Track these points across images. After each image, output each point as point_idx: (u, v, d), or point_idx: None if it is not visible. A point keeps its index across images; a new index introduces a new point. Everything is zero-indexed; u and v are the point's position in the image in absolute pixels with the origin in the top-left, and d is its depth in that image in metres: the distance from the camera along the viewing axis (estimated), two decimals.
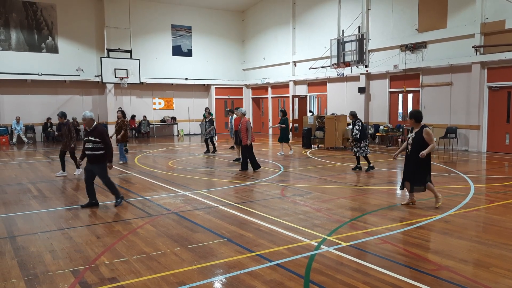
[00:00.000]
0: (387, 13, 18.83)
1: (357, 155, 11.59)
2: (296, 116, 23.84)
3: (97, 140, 7.47)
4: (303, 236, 5.80)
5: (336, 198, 8.24)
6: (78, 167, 11.44)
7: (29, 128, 22.62)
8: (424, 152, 7.08)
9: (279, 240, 5.67)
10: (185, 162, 14.12)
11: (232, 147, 17.47)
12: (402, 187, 7.70)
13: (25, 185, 9.98)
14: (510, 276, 4.43)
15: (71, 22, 23.35)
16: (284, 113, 16.01)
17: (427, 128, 7.33)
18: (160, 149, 18.59)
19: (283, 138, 15.85)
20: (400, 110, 19.09)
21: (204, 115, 16.78)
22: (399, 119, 19.02)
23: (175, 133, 26.84)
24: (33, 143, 21.70)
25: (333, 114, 19.05)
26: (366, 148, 11.50)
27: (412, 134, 7.45)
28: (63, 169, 11.42)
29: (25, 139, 21.71)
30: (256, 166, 11.79)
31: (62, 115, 11.32)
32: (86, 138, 7.60)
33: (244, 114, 12.09)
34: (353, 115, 11.71)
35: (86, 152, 7.64)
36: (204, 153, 16.22)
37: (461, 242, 5.58)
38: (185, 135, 26.68)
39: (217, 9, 27.49)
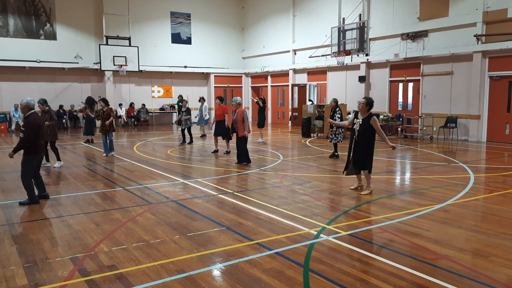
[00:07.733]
0: (388, 1, 18.64)
1: (333, 142, 11.82)
2: (296, 105, 23.75)
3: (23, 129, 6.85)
4: (303, 225, 5.80)
5: (335, 187, 8.23)
6: (59, 159, 10.84)
7: None
8: (390, 143, 7.49)
9: (278, 228, 5.67)
10: (184, 150, 14.09)
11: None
12: (347, 172, 7.99)
13: None
14: (509, 265, 4.43)
15: (70, 9, 23.11)
16: (263, 101, 16.95)
17: (375, 116, 7.51)
18: (159, 137, 18.54)
19: (259, 123, 16.68)
20: (400, 99, 19.02)
21: (179, 103, 16.30)
22: (399, 109, 18.95)
23: (174, 121, 26.78)
24: None
25: None
26: (340, 136, 11.77)
27: (359, 120, 7.55)
28: (47, 160, 10.72)
29: None
30: (243, 159, 10.89)
31: (44, 102, 10.27)
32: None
33: (239, 104, 11.01)
34: (336, 102, 12.04)
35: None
36: (180, 143, 15.50)
37: (460, 231, 5.58)
38: None
39: None
